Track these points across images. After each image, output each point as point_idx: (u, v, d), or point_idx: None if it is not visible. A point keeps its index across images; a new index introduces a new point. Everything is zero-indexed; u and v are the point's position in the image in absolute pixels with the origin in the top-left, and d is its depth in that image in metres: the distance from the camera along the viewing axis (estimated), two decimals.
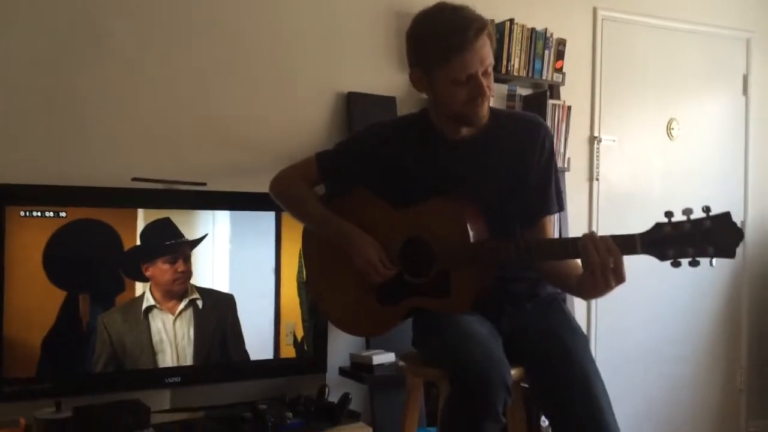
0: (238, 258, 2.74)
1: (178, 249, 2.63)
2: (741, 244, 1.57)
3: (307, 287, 2.73)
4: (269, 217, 2.78)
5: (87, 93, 2.73)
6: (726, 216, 1.57)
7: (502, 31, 3.34)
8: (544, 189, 1.95)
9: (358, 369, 2.87)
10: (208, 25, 2.93)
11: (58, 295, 2.45)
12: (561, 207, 1.99)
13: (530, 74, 3.44)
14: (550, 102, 3.46)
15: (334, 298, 2.10)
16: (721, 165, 4.17)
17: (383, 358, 2.84)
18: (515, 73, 3.39)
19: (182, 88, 2.88)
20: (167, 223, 2.61)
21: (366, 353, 2.87)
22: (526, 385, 1.90)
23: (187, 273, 2.64)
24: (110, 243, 2.53)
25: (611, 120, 3.85)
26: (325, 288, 2.13)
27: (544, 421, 2.95)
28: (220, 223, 2.71)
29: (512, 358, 1.75)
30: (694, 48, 4.09)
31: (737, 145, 4.23)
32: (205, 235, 2.67)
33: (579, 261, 1.72)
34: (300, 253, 2.66)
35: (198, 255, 2.66)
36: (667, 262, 1.61)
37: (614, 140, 3.86)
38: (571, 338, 1.81)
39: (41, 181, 2.51)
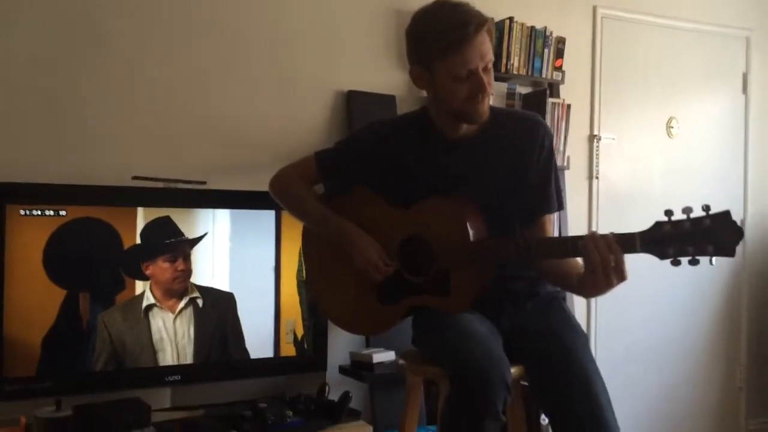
0: (238, 256, 2.74)
1: (178, 247, 2.63)
2: (740, 243, 1.57)
3: (306, 286, 2.73)
4: (269, 215, 2.78)
5: (87, 92, 2.73)
6: (726, 214, 1.57)
7: (501, 30, 3.34)
8: (544, 188, 1.95)
9: (358, 367, 2.88)
10: (208, 24, 2.93)
11: (59, 294, 2.45)
12: (561, 206, 1.99)
13: (530, 73, 3.44)
14: (550, 100, 3.46)
15: (334, 297, 2.11)
16: (721, 163, 4.17)
17: (383, 356, 2.85)
18: (515, 72, 3.40)
19: (182, 87, 2.88)
20: (167, 221, 2.62)
21: (366, 352, 2.87)
22: (526, 384, 1.90)
23: (187, 271, 2.64)
24: (110, 242, 2.53)
25: (611, 118, 3.85)
26: (325, 287, 2.14)
27: (544, 420, 2.96)
28: (220, 222, 2.72)
29: (512, 356, 1.75)
30: (694, 46, 4.09)
31: (737, 144, 4.23)
32: (205, 234, 2.67)
33: (579, 259, 1.72)
34: (300, 252, 2.66)
35: (198, 253, 2.66)
36: (667, 261, 1.61)
37: (614, 139, 3.86)
38: (570, 337, 1.81)
39: (41, 180, 2.51)
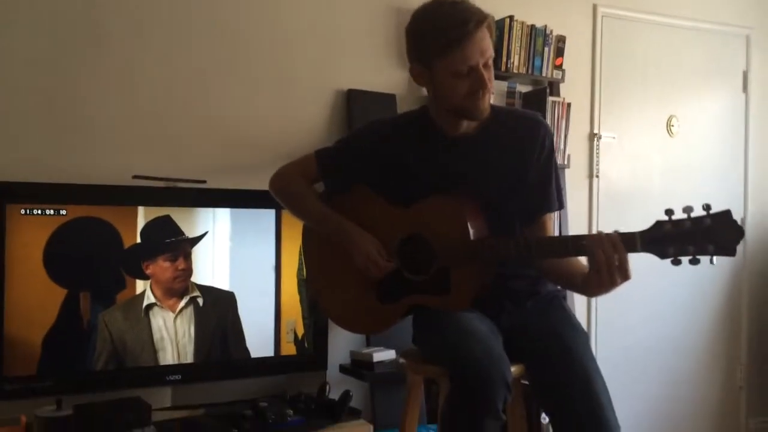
0: (238, 255, 2.74)
1: (179, 247, 2.63)
2: (741, 242, 1.57)
3: (307, 285, 2.73)
4: (269, 214, 2.78)
5: (87, 92, 2.73)
6: (726, 214, 1.57)
7: (501, 28, 3.34)
8: (545, 187, 1.95)
9: (359, 366, 2.88)
10: (208, 24, 2.93)
11: (59, 293, 2.45)
12: (561, 205, 1.99)
13: (530, 71, 3.44)
14: (550, 99, 3.46)
15: (334, 296, 2.11)
16: (721, 162, 4.17)
17: (383, 355, 2.85)
18: (515, 70, 3.39)
19: (182, 86, 2.88)
20: (167, 220, 2.62)
21: (366, 350, 2.87)
22: (527, 383, 1.90)
23: (188, 271, 2.64)
24: (111, 241, 2.53)
25: (611, 117, 3.85)
26: (325, 286, 2.14)
27: (545, 418, 2.96)
28: (220, 221, 2.72)
29: (512, 355, 1.75)
30: (694, 45, 4.09)
31: (737, 142, 4.23)
32: (206, 233, 2.67)
33: (581, 258, 1.72)
34: (300, 251, 2.66)
35: (198, 253, 2.66)
36: (668, 260, 1.61)
37: (614, 137, 3.86)
38: (571, 335, 1.81)
39: (41, 179, 2.51)
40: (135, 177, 2.67)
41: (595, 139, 3.79)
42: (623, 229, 1.66)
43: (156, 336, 2.59)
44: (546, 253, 1.85)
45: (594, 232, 3.69)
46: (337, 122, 3.14)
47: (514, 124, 1.96)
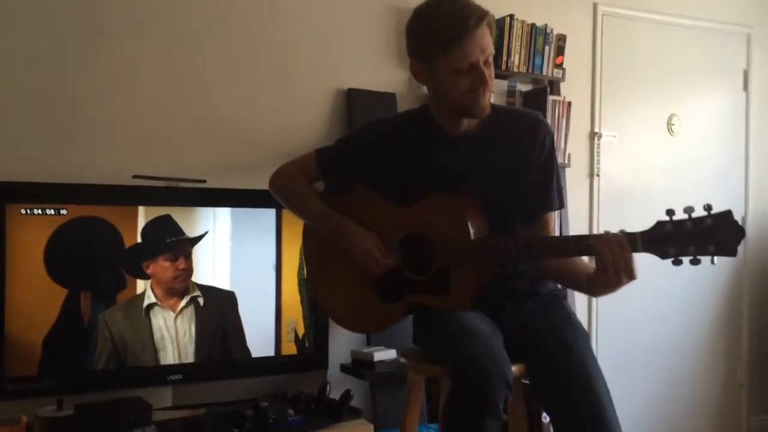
0: (239, 255, 2.74)
1: (179, 246, 2.63)
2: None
3: (307, 284, 2.73)
4: (270, 214, 2.78)
5: (87, 91, 2.73)
6: (727, 214, 1.57)
7: (502, 27, 3.33)
8: (545, 186, 1.95)
9: (360, 366, 2.88)
10: (208, 23, 2.93)
11: (60, 293, 2.45)
12: (562, 204, 1.99)
13: (530, 70, 3.44)
14: (551, 98, 3.45)
15: (335, 296, 2.11)
16: (722, 161, 4.17)
17: (384, 354, 2.85)
18: (515, 69, 3.39)
19: (182, 86, 2.88)
20: (168, 220, 2.61)
21: (367, 350, 2.87)
22: (527, 382, 1.90)
23: (188, 270, 2.64)
24: (111, 240, 2.53)
25: (612, 116, 3.84)
26: (325, 285, 2.14)
27: (545, 418, 2.95)
28: (220, 221, 2.72)
29: (513, 354, 1.75)
30: (695, 44, 4.08)
31: (738, 141, 4.23)
32: (206, 233, 2.67)
33: (584, 258, 1.72)
34: (301, 250, 2.66)
35: (199, 252, 2.66)
36: (668, 260, 1.61)
37: (615, 136, 3.85)
38: (571, 335, 1.81)
39: (42, 179, 2.51)
40: (135, 177, 2.67)
41: (596, 138, 3.79)
42: (623, 229, 1.66)
43: (157, 336, 2.59)
44: (547, 252, 1.85)
45: (594, 231, 3.71)
46: (337, 121, 3.14)
47: (514, 123, 1.96)
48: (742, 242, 1.57)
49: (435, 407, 2.87)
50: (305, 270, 2.37)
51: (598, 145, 3.79)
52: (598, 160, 3.79)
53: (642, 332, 3.88)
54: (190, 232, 2.65)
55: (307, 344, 2.85)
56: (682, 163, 4.03)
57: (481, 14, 1.78)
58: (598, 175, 3.80)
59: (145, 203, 2.58)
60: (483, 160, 1.92)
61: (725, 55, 4.19)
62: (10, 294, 2.38)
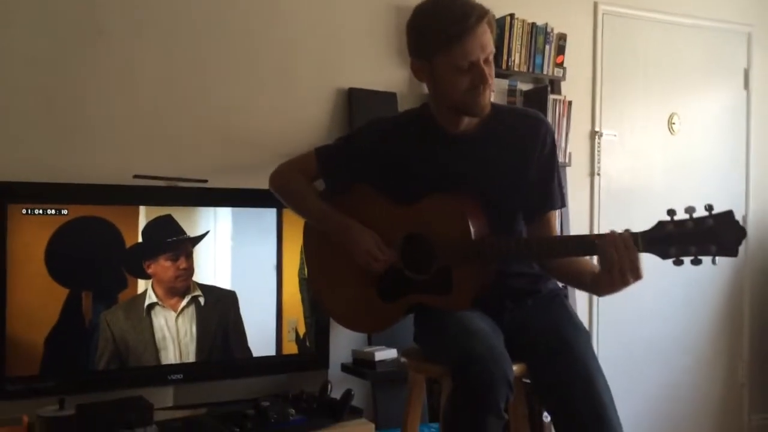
0: (239, 255, 2.74)
1: (180, 246, 2.63)
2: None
3: (308, 284, 2.73)
4: (271, 213, 2.78)
5: (88, 91, 2.73)
6: (729, 214, 1.56)
7: (502, 26, 3.33)
8: (547, 185, 1.95)
9: (361, 365, 2.88)
10: (208, 23, 2.93)
11: (61, 293, 2.45)
12: (563, 203, 1.99)
13: (531, 69, 3.44)
14: (551, 97, 3.45)
15: (335, 295, 2.11)
16: (723, 160, 4.17)
17: (385, 354, 2.85)
18: (516, 69, 3.39)
19: (183, 86, 2.88)
20: (169, 220, 2.61)
21: (368, 349, 2.87)
22: (528, 381, 1.90)
23: (189, 270, 2.64)
24: (112, 240, 2.53)
25: (612, 115, 3.84)
26: (326, 285, 2.14)
27: (546, 417, 2.95)
28: (221, 220, 2.72)
29: (514, 353, 1.75)
30: (695, 42, 4.08)
31: (738, 140, 4.23)
32: (207, 232, 2.67)
33: (588, 258, 1.72)
34: (301, 250, 2.66)
35: (200, 252, 2.66)
36: (669, 260, 1.61)
37: (615, 135, 3.85)
38: (572, 334, 1.81)
39: (43, 179, 2.51)
40: (136, 176, 2.67)
41: (597, 137, 3.79)
42: (624, 228, 1.66)
43: (158, 335, 2.59)
44: (548, 252, 1.85)
45: (595, 230, 3.70)
46: (338, 121, 3.14)
47: (515, 122, 1.96)
48: (743, 241, 1.57)
49: (436, 407, 2.87)
50: (306, 269, 2.37)
51: (599, 144, 3.79)
52: (599, 159, 3.79)
53: (643, 331, 3.88)
54: (191, 232, 2.65)
55: (308, 344, 2.85)
56: (683, 162, 4.03)
57: (482, 12, 1.78)
58: (598, 174, 3.80)
59: (146, 203, 2.58)
60: (483, 159, 1.92)
61: (726, 54, 4.19)
62: (11, 294, 2.38)
